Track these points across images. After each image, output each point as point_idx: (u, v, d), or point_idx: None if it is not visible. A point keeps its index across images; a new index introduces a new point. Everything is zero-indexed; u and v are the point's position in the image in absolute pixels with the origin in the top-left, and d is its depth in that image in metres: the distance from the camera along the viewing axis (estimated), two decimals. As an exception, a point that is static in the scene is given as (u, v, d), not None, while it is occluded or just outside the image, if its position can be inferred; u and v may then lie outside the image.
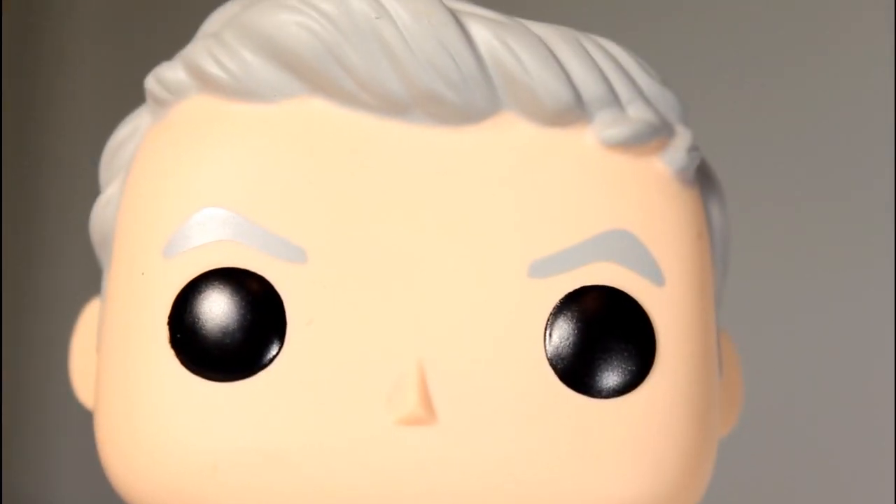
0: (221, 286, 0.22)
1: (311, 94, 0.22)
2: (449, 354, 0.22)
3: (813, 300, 0.69)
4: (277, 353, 0.22)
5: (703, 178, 0.25)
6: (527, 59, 0.22)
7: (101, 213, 0.24)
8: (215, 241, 0.22)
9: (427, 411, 0.22)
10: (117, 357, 0.23)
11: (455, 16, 0.22)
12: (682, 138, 0.24)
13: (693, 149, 0.24)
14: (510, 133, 0.23)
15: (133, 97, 0.27)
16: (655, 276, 0.23)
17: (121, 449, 0.23)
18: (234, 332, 0.22)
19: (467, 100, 0.22)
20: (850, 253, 0.68)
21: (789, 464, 0.69)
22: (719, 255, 0.25)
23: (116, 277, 0.23)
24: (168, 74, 0.23)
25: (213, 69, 0.22)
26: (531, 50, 0.22)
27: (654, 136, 0.23)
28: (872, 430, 0.68)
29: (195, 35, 0.24)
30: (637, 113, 0.23)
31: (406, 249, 0.22)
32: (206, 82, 0.23)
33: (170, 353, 0.22)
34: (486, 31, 0.22)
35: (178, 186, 0.22)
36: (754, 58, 0.71)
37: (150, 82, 0.24)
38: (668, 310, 0.23)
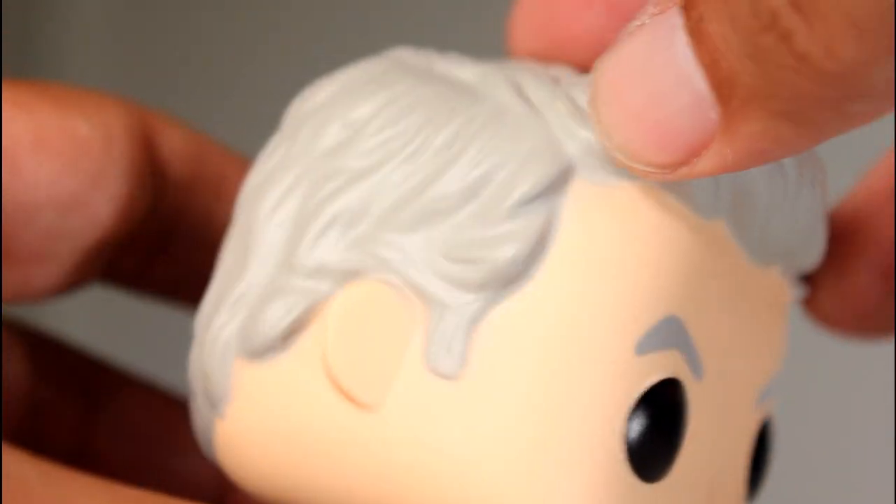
0: (664, 394, 0.23)
1: (726, 222, 0.23)
2: (721, 479, 0.25)
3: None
4: (674, 465, 0.23)
5: None
6: (821, 230, 0.25)
7: (501, 262, 0.23)
8: (671, 349, 0.23)
9: None
10: (539, 423, 0.22)
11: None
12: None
13: None
14: (773, 276, 0.25)
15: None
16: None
17: None
18: (666, 440, 0.23)
19: (778, 256, 0.25)
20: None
21: (788, 464, 0.68)
22: None
23: (558, 345, 0.22)
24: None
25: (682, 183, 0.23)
26: (821, 220, 0.25)
27: None
28: (872, 430, 0.68)
29: None
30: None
31: (733, 375, 0.24)
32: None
33: (620, 448, 0.22)
34: (814, 198, 0.25)
35: (650, 282, 0.23)
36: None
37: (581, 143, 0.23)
38: None
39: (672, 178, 0.21)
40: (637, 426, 0.22)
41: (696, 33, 0.20)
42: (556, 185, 0.23)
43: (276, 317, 0.23)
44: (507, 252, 0.22)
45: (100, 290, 0.28)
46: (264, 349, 0.23)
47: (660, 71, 0.20)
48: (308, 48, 0.84)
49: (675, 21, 0.20)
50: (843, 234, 0.27)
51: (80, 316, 0.85)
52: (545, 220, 0.22)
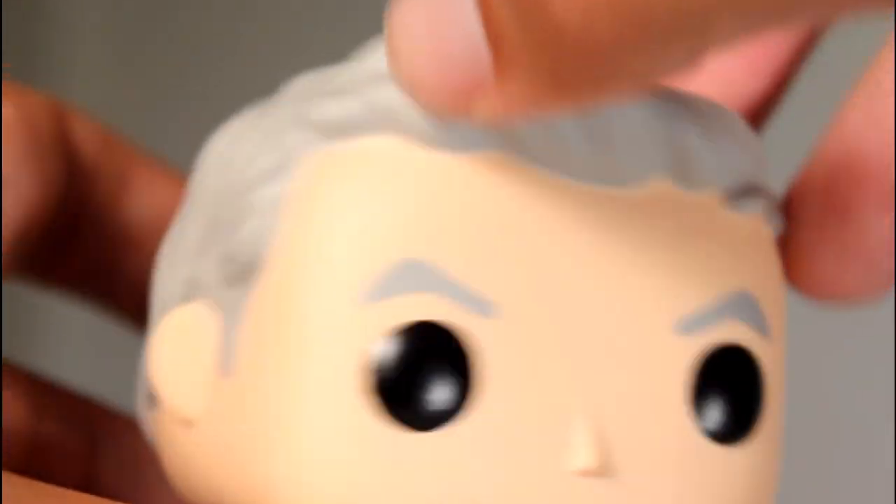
0: (418, 338, 0.22)
1: (501, 148, 0.23)
2: (612, 409, 0.23)
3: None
4: (463, 406, 0.23)
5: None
6: (714, 150, 0.24)
7: (246, 249, 0.23)
8: (414, 292, 0.22)
9: (601, 463, 0.23)
10: (284, 394, 0.23)
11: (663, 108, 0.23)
12: (775, 200, 0.25)
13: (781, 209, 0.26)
14: (660, 196, 0.24)
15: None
16: (765, 329, 0.25)
17: (255, 482, 0.23)
18: (429, 385, 0.22)
19: (640, 172, 0.23)
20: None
21: (789, 465, 0.68)
22: None
23: (286, 315, 0.23)
24: (345, 111, 0.23)
25: (412, 118, 0.22)
26: (716, 137, 0.24)
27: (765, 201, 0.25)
28: (872, 431, 0.68)
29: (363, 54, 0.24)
30: (759, 183, 0.25)
31: (575, 305, 0.23)
32: (397, 127, 0.23)
33: (358, 402, 0.22)
34: (690, 125, 0.23)
35: (375, 232, 0.22)
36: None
37: (321, 117, 0.23)
38: (773, 360, 0.25)
39: (453, 118, 0.21)
40: (387, 374, 0.22)
41: None
42: (279, 170, 0.23)
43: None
44: (244, 241, 0.23)
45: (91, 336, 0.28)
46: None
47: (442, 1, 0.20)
48: (308, 49, 0.84)
49: None
50: (835, 176, 0.26)
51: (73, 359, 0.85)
52: (271, 205, 0.23)
